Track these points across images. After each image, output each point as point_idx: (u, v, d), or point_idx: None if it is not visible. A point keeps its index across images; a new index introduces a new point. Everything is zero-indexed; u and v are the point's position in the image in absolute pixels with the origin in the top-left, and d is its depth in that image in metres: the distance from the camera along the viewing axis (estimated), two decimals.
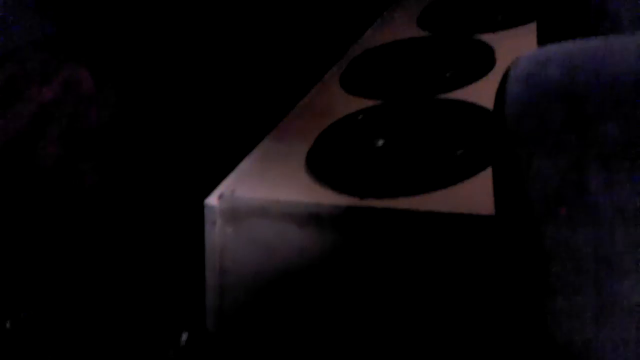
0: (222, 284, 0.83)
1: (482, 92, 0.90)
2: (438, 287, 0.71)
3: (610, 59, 0.31)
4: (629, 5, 0.34)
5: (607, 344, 0.30)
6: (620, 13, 0.35)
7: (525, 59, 0.33)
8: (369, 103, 0.96)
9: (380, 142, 0.84)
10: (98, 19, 0.85)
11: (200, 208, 0.81)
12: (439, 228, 0.70)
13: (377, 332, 0.75)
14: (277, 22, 1.23)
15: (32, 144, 0.75)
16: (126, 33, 0.90)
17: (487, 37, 1.06)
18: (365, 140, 0.85)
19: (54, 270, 0.81)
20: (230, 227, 0.81)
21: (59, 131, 0.78)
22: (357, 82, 1.03)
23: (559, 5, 0.40)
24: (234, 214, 0.81)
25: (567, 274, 0.31)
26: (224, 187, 0.83)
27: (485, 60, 0.98)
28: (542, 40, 0.43)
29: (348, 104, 0.97)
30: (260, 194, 0.80)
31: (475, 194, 0.71)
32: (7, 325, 0.76)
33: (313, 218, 0.77)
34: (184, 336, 0.94)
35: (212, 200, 0.81)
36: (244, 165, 0.87)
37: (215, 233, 0.82)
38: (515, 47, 1.02)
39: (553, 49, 0.33)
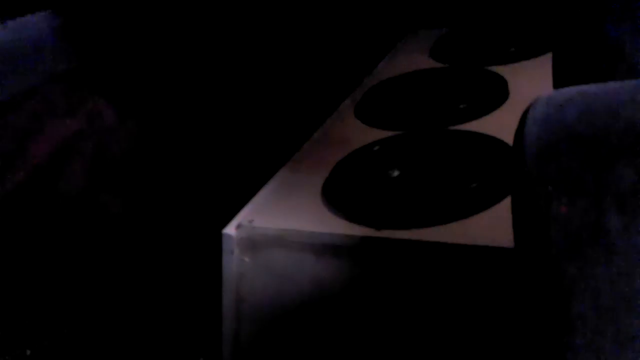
0: (238, 313, 0.84)
1: (495, 124, 0.92)
2: (453, 318, 0.72)
3: (626, 103, 0.32)
4: None
5: None
6: (637, 56, 0.36)
7: (542, 100, 0.34)
8: (384, 134, 0.97)
9: (396, 173, 0.85)
10: (119, 52, 0.87)
11: (218, 237, 0.82)
12: (454, 260, 0.70)
13: None
14: (294, 54, 1.25)
15: (55, 176, 0.77)
16: (147, 66, 0.92)
17: (500, 69, 1.08)
18: (380, 171, 0.86)
19: (76, 299, 0.82)
20: (247, 256, 0.82)
21: (83, 163, 0.80)
22: (371, 112, 1.04)
23: (575, 42, 0.42)
24: (251, 244, 0.82)
25: (587, 312, 0.32)
26: (241, 217, 0.84)
27: (498, 92, 1.00)
28: (557, 76, 0.44)
29: (363, 135, 0.98)
30: (277, 224, 0.81)
31: (489, 226, 0.71)
32: (28, 353, 0.76)
33: (329, 248, 0.77)
34: None
35: (230, 229, 0.83)
36: (261, 196, 0.89)
37: (233, 262, 0.83)
38: (529, 79, 1.04)
39: (570, 91, 0.34)
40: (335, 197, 0.83)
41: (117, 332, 0.87)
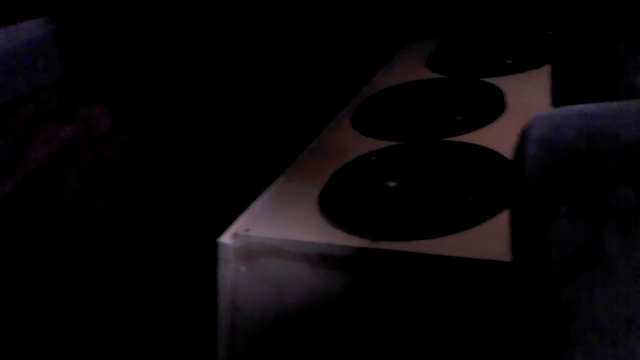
0: (233, 322, 0.84)
1: (492, 136, 0.92)
2: (448, 331, 0.72)
3: (626, 125, 0.32)
4: None
5: None
6: (635, 75, 0.36)
7: (542, 119, 0.34)
8: (380, 144, 0.97)
9: (393, 184, 0.85)
10: (115, 59, 0.87)
11: (213, 246, 0.82)
12: (450, 272, 0.70)
13: None
14: (291, 63, 1.25)
15: (50, 182, 0.77)
16: (142, 73, 0.92)
17: (497, 81, 1.08)
18: (377, 182, 0.86)
19: (70, 305, 0.82)
20: (243, 265, 0.82)
21: (77, 169, 0.80)
22: (368, 123, 1.05)
23: (575, 59, 0.42)
24: (247, 253, 0.82)
25: (585, 332, 0.32)
26: (237, 226, 0.84)
27: (495, 104, 1.00)
28: (556, 92, 0.44)
29: (359, 145, 0.99)
30: (273, 234, 0.81)
31: (486, 240, 0.71)
32: None
33: (325, 259, 0.77)
34: None
35: (226, 238, 0.82)
36: (258, 205, 0.88)
37: (228, 271, 0.83)
38: (526, 91, 1.04)
39: (569, 111, 0.35)
40: (332, 208, 0.83)
41: (111, 340, 0.86)
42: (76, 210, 0.81)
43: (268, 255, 0.81)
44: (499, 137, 0.91)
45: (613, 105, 0.34)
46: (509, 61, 1.14)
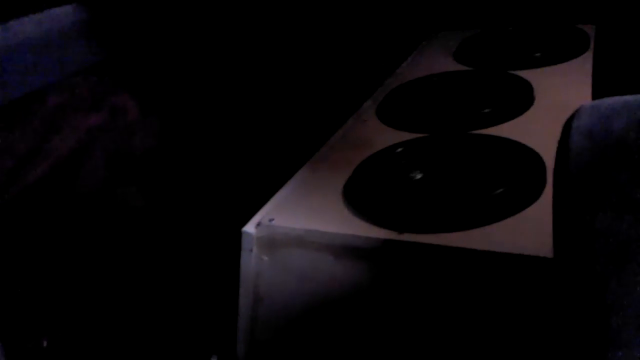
0: (254, 312, 0.83)
1: (520, 130, 0.90)
2: (473, 326, 0.71)
3: None
4: None
5: None
6: None
7: (587, 110, 0.33)
8: (406, 136, 0.96)
9: (419, 176, 0.84)
10: (144, 47, 0.87)
11: (237, 235, 0.82)
12: (476, 266, 0.69)
13: None
14: (317, 53, 1.25)
15: (77, 169, 0.77)
16: (171, 61, 0.92)
17: (525, 74, 1.07)
18: (402, 174, 0.85)
19: (94, 293, 0.82)
20: (266, 255, 0.82)
21: (105, 156, 0.80)
22: (393, 114, 1.04)
23: (621, 45, 0.41)
24: (271, 243, 0.81)
25: (628, 328, 0.31)
26: (261, 216, 0.84)
27: (523, 97, 0.99)
28: (598, 81, 0.43)
29: (384, 136, 0.98)
30: (297, 224, 0.81)
31: (514, 234, 0.70)
32: (44, 344, 0.77)
33: (349, 250, 0.77)
34: (214, 359, 0.95)
35: (250, 228, 0.82)
36: (282, 194, 0.88)
37: (251, 260, 0.82)
38: (554, 85, 1.02)
39: (614, 102, 0.33)
40: (357, 199, 0.82)
41: (134, 327, 0.87)
42: (102, 198, 0.82)
43: (291, 245, 0.80)
44: (527, 130, 0.90)
45: None
46: (538, 54, 1.13)
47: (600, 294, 0.31)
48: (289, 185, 0.90)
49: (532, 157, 0.80)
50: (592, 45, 1.06)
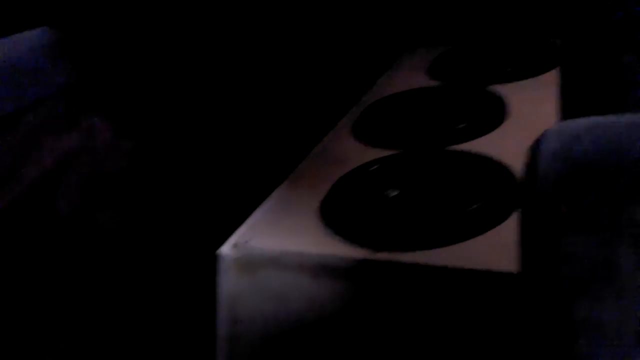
0: (233, 334, 0.83)
1: (494, 145, 0.91)
2: (451, 342, 0.71)
3: (638, 137, 0.31)
4: None
5: None
6: None
7: (553, 133, 0.33)
8: (381, 152, 0.97)
9: (394, 193, 0.84)
10: (116, 69, 0.87)
11: (213, 257, 0.81)
12: (453, 283, 0.70)
13: None
14: (291, 70, 1.25)
15: (51, 192, 0.76)
16: (143, 83, 0.91)
17: (498, 89, 1.08)
18: (378, 191, 0.85)
19: (69, 316, 0.81)
20: (243, 276, 0.81)
21: (78, 179, 0.79)
22: (369, 131, 1.04)
23: (587, 67, 0.41)
24: (248, 264, 0.81)
25: (594, 348, 0.31)
26: (237, 237, 0.83)
27: (497, 112, 1.00)
28: (566, 101, 0.43)
29: (360, 153, 0.98)
30: (274, 245, 0.80)
31: (489, 250, 0.71)
32: None
33: (327, 270, 0.76)
34: None
35: (226, 249, 0.82)
36: (258, 215, 0.88)
37: (228, 282, 0.82)
38: (527, 99, 1.03)
39: (581, 124, 0.34)
40: (333, 218, 0.82)
41: (110, 352, 0.85)
42: (76, 221, 0.80)
43: (269, 266, 0.80)
44: (500, 146, 0.91)
45: (624, 118, 0.33)
46: (510, 69, 1.14)
47: (567, 316, 0.31)
48: (265, 205, 0.90)
49: (505, 173, 0.81)
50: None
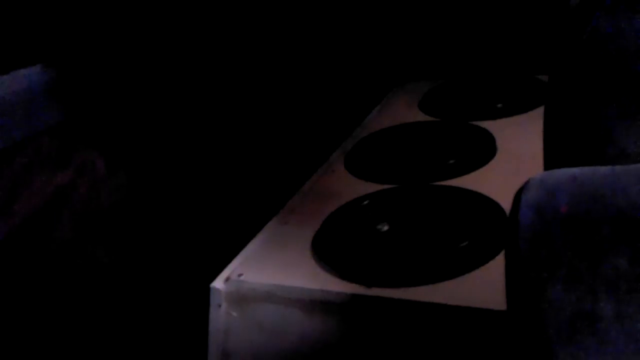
0: None
1: (483, 181, 0.93)
2: None
3: (618, 189, 0.33)
4: (634, 136, 0.36)
5: None
6: (625, 141, 0.37)
7: (535, 184, 0.35)
8: (373, 186, 0.98)
9: (385, 228, 0.85)
10: (110, 105, 0.88)
11: (206, 291, 0.81)
12: (444, 320, 0.70)
13: None
14: (282, 105, 1.27)
15: (44, 228, 0.77)
16: (137, 118, 0.93)
17: (488, 124, 1.10)
18: (370, 226, 0.86)
19: (61, 351, 0.81)
20: (235, 310, 0.82)
21: (72, 214, 0.79)
22: (361, 165, 1.05)
23: (565, 122, 0.43)
24: (240, 298, 0.81)
25: None
26: (229, 271, 0.84)
27: (486, 148, 1.01)
28: (548, 154, 0.45)
29: (352, 187, 0.99)
30: (266, 279, 0.81)
31: (480, 287, 0.72)
32: None
33: (318, 305, 0.77)
34: None
35: (218, 283, 0.82)
36: (250, 249, 0.88)
37: (220, 316, 0.82)
38: (515, 135, 1.05)
39: (561, 175, 0.35)
40: (325, 253, 0.83)
41: None
42: (71, 255, 0.81)
43: (260, 300, 0.80)
44: (489, 182, 0.92)
45: (605, 170, 0.35)
46: (500, 105, 1.16)
47: None
48: (257, 238, 0.90)
49: (494, 210, 0.82)
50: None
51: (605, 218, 0.32)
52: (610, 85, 0.38)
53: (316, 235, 0.87)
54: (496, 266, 0.75)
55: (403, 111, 1.25)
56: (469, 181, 0.94)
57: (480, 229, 0.80)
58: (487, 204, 0.85)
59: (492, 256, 0.76)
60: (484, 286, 0.71)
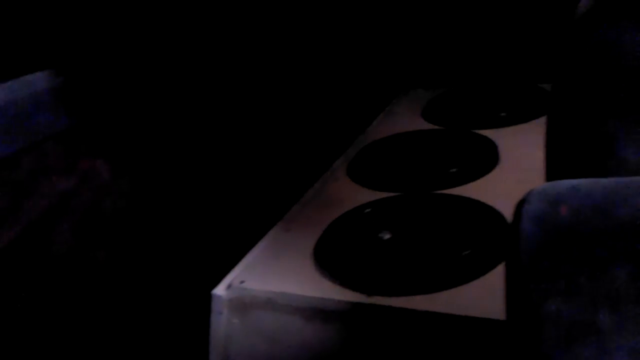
0: None
1: (486, 190, 0.93)
2: None
3: (619, 201, 0.33)
4: (637, 147, 0.36)
5: None
6: (627, 152, 0.37)
7: (536, 195, 0.35)
8: (375, 195, 0.98)
9: (387, 236, 0.85)
10: (117, 111, 0.88)
11: (207, 297, 0.82)
12: (446, 329, 0.70)
13: None
14: (286, 111, 1.27)
15: (47, 233, 0.77)
16: (143, 125, 0.93)
17: (491, 133, 1.10)
18: (372, 234, 0.86)
19: (63, 354, 0.81)
20: (236, 318, 0.82)
21: (74, 220, 0.80)
22: (363, 173, 1.05)
23: (568, 133, 0.43)
24: (241, 305, 0.81)
25: None
26: (231, 278, 0.84)
27: (489, 156, 1.01)
28: (550, 165, 0.45)
29: (355, 195, 0.99)
30: (267, 286, 0.81)
31: (481, 296, 0.72)
32: None
33: (319, 313, 0.77)
34: None
35: (220, 290, 0.82)
36: (252, 256, 0.88)
37: (221, 323, 0.82)
38: (518, 143, 1.05)
39: (562, 186, 0.35)
40: (327, 261, 0.83)
41: None
42: (75, 261, 0.81)
43: (262, 308, 0.80)
44: (492, 191, 0.92)
45: (607, 182, 0.35)
46: (503, 114, 1.16)
47: None
48: (259, 246, 0.91)
49: (496, 219, 0.82)
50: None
51: (606, 230, 0.32)
52: (613, 96, 0.38)
53: (318, 243, 0.87)
54: (498, 275, 0.75)
55: (406, 119, 1.25)
56: (471, 190, 0.94)
57: (482, 238, 0.80)
58: (490, 213, 0.85)
59: (493, 265, 0.76)
60: (486, 295, 0.71)
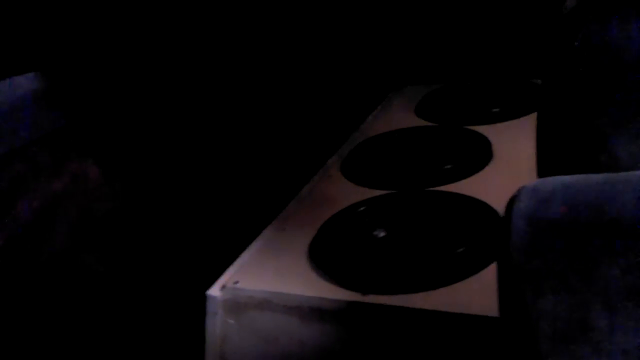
0: None
1: (480, 186, 0.93)
2: None
3: (610, 198, 0.32)
4: (627, 143, 0.36)
5: None
6: (618, 149, 0.37)
7: (527, 193, 0.35)
8: (369, 192, 0.98)
9: (382, 234, 0.85)
10: (105, 113, 0.88)
11: (202, 298, 0.81)
12: (441, 327, 0.70)
13: None
14: (279, 109, 1.27)
15: (39, 236, 0.76)
16: (132, 126, 0.92)
17: (484, 129, 1.09)
18: (366, 233, 0.86)
19: (57, 357, 0.80)
20: (231, 318, 0.82)
21: (66, 223, 0.79)
22: (357, 171, 1.05)
23: (559, 129, 0.42)
24: (236, 306, 0.81)
25: None
26: (226, 278, 0.84)
27: (482, 153, 1.01)
28: (541, 161, 0.44)
29: (349, 193, 0.99)
30: (262, 286, 0.81)
31: (476, 293, 0.71)
32: None
33: (315, 312, 0.77)
34: None
35: (215, 291, 0.82)
36: (247, 256, 0.88)
37: (217, 324, 0.82)
38: (512, 139, 1.05)
39: (553, 183, 0.35)
40: (321, 260, 0.82)
41: None
42: (66, 263, 0.81)
43: (257, 308, 0.80)
44: (486, 187, 0.92)
45: (598, 178, 0.34)
46: (496, 109, 1.16)
47: None
48: (253, 246, 0.90)
49: (490, 216, 0.82)
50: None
51: (598, 227, 0.32)
52: (602, 92, 0.38)
53: (312, 242, 0.87)
54: (492, 272, 0.74)
55: (399, 116, 1.25)
56: (465, 186, 0.93)
57: (476, 234, 0.80)
58: (484, 209, 0.85)
59: (488, 262, 0.75)
60: (481, 292, 0.71)
